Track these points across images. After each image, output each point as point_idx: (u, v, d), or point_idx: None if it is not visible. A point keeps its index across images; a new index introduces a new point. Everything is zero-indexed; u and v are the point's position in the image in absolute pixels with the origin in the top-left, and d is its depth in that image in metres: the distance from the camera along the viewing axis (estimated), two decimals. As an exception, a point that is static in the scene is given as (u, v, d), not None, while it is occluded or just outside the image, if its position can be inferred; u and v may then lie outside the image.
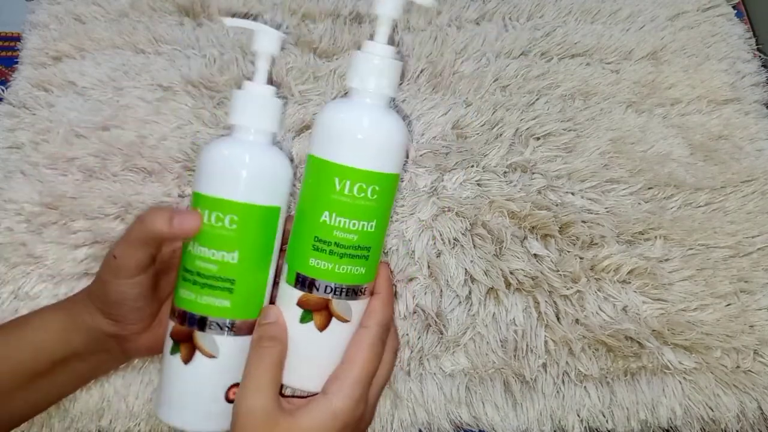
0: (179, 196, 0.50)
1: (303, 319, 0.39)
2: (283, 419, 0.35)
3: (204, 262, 0.38)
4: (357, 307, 0.39)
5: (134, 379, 0.45)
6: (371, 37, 0.39)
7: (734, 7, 0.61)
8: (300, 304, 0.39)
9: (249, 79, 0.40)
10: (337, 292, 0.38)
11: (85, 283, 0.47)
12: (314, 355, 0.39)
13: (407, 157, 0.51)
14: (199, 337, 0.38)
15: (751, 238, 0.49)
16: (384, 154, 0.39)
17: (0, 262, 0.48)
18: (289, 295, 0.39)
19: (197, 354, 0.38)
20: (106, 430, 0.44)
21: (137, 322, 0.40)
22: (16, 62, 0.57)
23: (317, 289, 0.38)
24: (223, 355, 0.38)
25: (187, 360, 0.38)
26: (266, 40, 0.39)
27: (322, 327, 0.39)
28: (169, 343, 0.39)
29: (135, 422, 0.44)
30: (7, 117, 0.54)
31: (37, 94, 0.55)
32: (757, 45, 0.59)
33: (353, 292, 0.39)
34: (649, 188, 0.51)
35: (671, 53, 0.57)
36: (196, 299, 0.38)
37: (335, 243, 0.38)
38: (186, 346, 0.38)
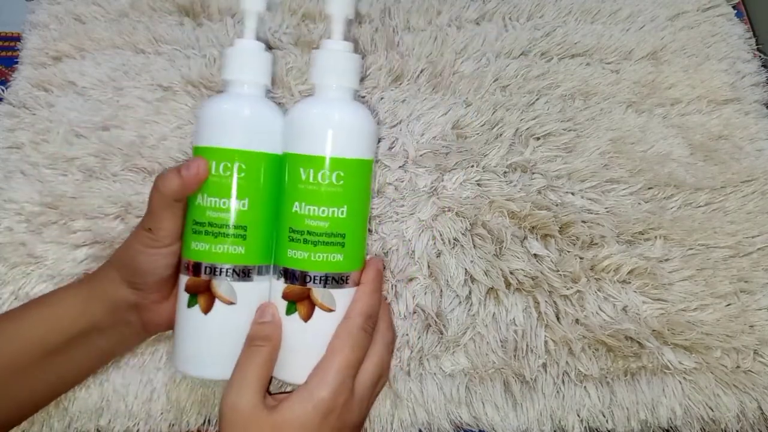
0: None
1: (288, 311, 0.40)
2: (265, 415, 0.36)
3: (215, 212, 0.39)
4: (341, 296, 0.40)
5: (133, 378, 0.45)
6: (329, 36, 0.42)
7: (734, 7, 0.61)
8: (284, 296, 0.40)
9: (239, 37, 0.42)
10: (316, 281, 0.39)
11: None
12: (301, 346, 0.39)
13: (407, 158, 0.51)
14: (217, 285, 0.39)
15: (751, 238, 0.49)
16: (346, 141, 0.40)
17: (0, 262, 0.48)
18: (276, 289, 0.40)
19: (216, 303, 0.39)
20: (105, 429, 0.44)
21: (159, 290, 0.41)
22: (16, 62, 0.57)
23: (297, 279, 0.39)
24: (242, 301, 0.39)
25: (206, 310, 0.39)
26: None
27: (307, 317, 0.39)
28: (184, 297, 0.39)
29: (134, 422, 0.44)
30: (7, 117, 0.54)
31: (37, 94, 0.55)
32: (757, 45, 0.59)
33: (334, 281, 0.40)
34: (649, 188, 0.51)
35: (671, 53, 0.57)
36: (210, 249, 0.39)
37: (308, 231, 0.39)
38: (204, 296, 0.39)
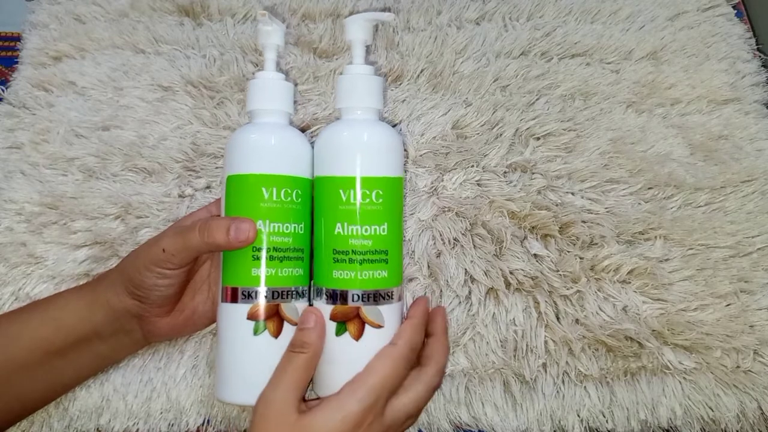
0: (179, 196, 0.50)
1: (338, 332, 0.40)
2: (295, 417, 0.36)
3: (280, 237, 0.40)
4: (389, 312, 0.40)
5: (134, 378, 0.45)
6: (350, 62, 0.43)
7: (734, 7, 0.61)
8: (332, 317, 0.40)
9: (260, 70, 0.43)
10: (364, 299, 0.40)
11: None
12: (355, 365, 0.39)
13: (407, 158, 0.51)
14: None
15: (751, 238, 0.49)
16: (380, 160, 0.41)
17: (0, 262, 0.48)
18: (322, 312, 0.40)
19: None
20: (105, 429, 0.44)
21: (162, 305, 0.40)
22: (16, 62, 0.58)
23: (344, 299, 0.40)
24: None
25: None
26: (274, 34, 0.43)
27: (358, 336, 0.39)
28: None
29: (134, 421, 0.44)
30: (7, 117, 0.54)
31: (37, 94, 0.55)
32: (757, 45, 0.59)
33: (381, 297, 0.40)
34: (649, 188, 0.51)
35: (671, 53, 0.57)
36: (276, 273, 0.39)
37: (353, 251, 0.40)
38: (273, 321, 0.39)
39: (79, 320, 0.40)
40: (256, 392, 0.38)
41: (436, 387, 0.41)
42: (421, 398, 0.39)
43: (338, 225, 0.40)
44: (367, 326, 0.39)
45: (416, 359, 0.41)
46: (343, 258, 0.40)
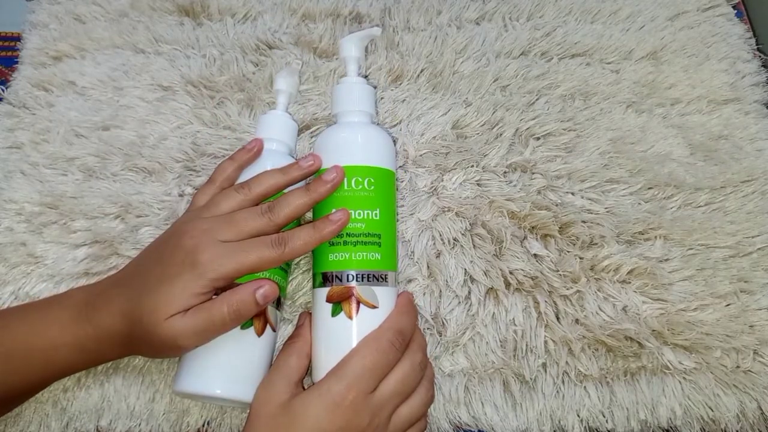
0: (179, 195, 0.50)
1: (334, 312, 0.41)
2: (285, 399, 0.38)
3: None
4: (383, 294, 0.41)
5: (135, 380, 0.45)
6: (345, 74, 0.47)
7: (734, 7, 0.61)
8: (329, 299, 0.41)
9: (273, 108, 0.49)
10: (358, 279, 0.41)
11: (85, 282, 0.47)
12: (347, 347, 0.40)
13: (407, 158, 0.51)
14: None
15: (751, 238, 0.49)
16: (375, 154, 0.44)
17: (0, 262, 0.48)
18: (319, 296, 0.42)
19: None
20: (106, 430, 0.44)
21: None
22: (16, 62, 0.58)
23: (340, 280, 0.41)
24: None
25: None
26: (289, 81, 0.49)
27: (351, 315, 0.40)
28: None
29: (136, 422, 0.44)
30: (7, 117, 0.54)
31: (37, 94, 0.55)
32: (757, 45, 0.59)
33: (375, 278, 0.41)
34: (649, 188, 0.51)
35: (671, 53, 0.57)
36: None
37: (347, 233, 0.42)
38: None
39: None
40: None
41: (422, 364, 0.41)
42: (407, 375, 0.40)
43: (333, 210, 0.42)
44: (362, 306, 0.41)
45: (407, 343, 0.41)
46: (338, 241, 0.42)
